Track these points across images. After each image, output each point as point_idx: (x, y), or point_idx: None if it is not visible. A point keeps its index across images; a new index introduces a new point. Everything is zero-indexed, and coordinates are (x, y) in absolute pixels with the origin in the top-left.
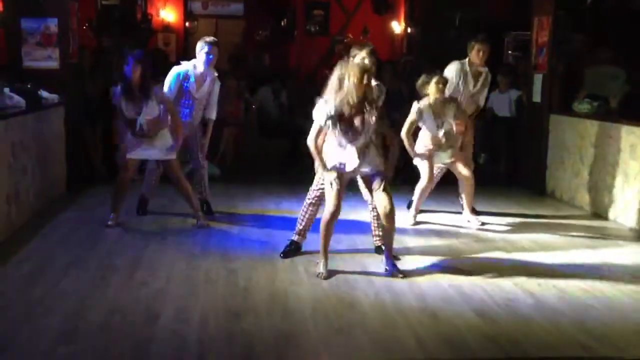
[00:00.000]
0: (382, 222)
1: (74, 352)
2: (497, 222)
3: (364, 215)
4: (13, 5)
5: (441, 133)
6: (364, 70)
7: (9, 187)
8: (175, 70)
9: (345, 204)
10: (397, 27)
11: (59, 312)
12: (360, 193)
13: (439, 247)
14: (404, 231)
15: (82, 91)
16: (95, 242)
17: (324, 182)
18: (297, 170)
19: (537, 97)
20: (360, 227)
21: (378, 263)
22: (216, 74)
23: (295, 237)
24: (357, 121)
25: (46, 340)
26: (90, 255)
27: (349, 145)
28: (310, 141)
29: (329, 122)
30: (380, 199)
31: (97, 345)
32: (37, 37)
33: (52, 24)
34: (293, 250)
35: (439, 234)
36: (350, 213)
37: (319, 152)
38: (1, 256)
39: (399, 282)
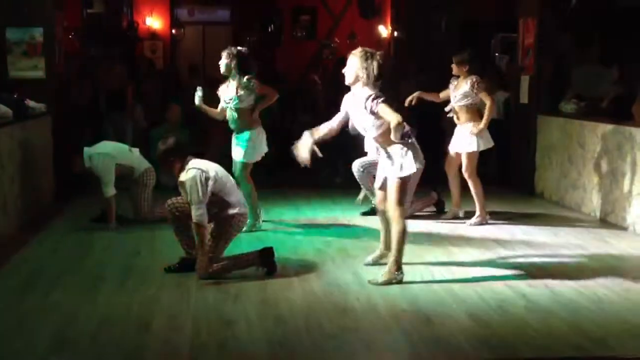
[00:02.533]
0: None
1: None
2: (487, 224)
3: (355, 219)
4: None
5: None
6: None
7: None
8: None
9: (337, 207)
10: (384, 30)
11: (49, 322)
12: (354, 196)
13: (430, 249)
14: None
15: (68, 100)
16: (85, 250)
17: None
18: (287, 175)
19: (524, 99)
20: (351, 231)
21: (370, 267)
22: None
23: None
24: None
25: (37, 350)
26: (80, 264)
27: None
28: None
29: None
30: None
31: (88, 355)
32: (23, 46)
33: (38, 34)
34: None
35: (428, 236)
36: (341, 217)
37: None
38: None
39: (391, 286)
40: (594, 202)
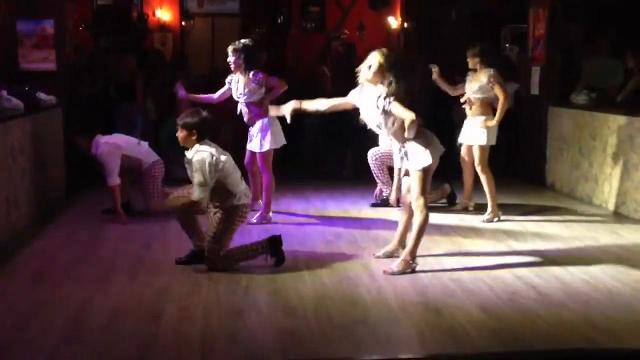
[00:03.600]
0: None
1: (77, 353)
2: (500, 220)
3: (365, 210)
4: (9, 8)
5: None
6: None
7: (9, 190)
8: None
9: (346, 199)
10: (394, 22)
11: (61, 312)
12: (363, 188)
13: (440, 241)
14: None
15: (79, 92)
16: (96, 242)
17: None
18: (296, 167)
19: (535, 90)
20: (360, 223)
21: (380, 259)
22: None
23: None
24: None
25: (49, 340)
26: (92, 255)
27: None
28: None
29: None
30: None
31: (101, 345)
32: (34, 38)
33: (48, 25)
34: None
35: (439, 228)
36: (351, 209)
37: None
38: (3, 258)
39: (401, 278)
40: (605, 194)
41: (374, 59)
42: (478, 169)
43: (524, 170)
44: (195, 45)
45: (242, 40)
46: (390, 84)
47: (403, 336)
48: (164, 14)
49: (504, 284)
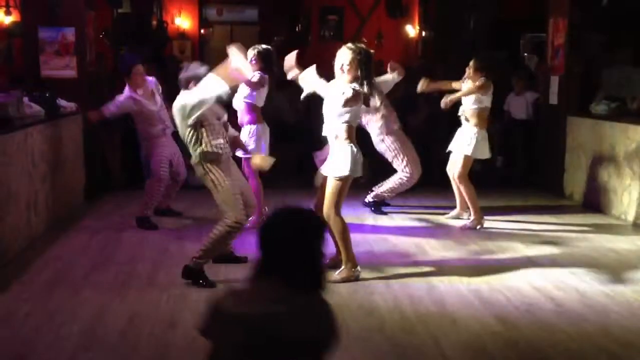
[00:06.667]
0: None
1: (93, 359)
2: (515, 226)
3: (381, 218)
4: (31, 15)
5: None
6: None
7: (29, 195)
8: None
9: (364, 207)
10: (412, 30)
11: (79, 319)
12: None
13: (457, 250)
14: (419, 235)
15: (100, 99)
16: (114, 248)
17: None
18: (312, 174)
19: (554, 99)
20: (377, 231)
21: (396, 268)
22: None
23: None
24: None
25: (66, 347)
26: (110, 261)
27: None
28: None
29: None
30: None
31: (117, 352)
32: (55, 46)
33: (70, 33)
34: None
35: (455, 236)
36: (368, 217)
37: None
38: (22, 264)
39: (417, 288)
40: (624, 205)
41: (345, 54)
42: (456, 177)
43: (542, 180)
44: (214, 53)
45: (264, 45)
46: (362, 79)
47: (420, 346)
48: (184, 22)
49: (521, 294)
